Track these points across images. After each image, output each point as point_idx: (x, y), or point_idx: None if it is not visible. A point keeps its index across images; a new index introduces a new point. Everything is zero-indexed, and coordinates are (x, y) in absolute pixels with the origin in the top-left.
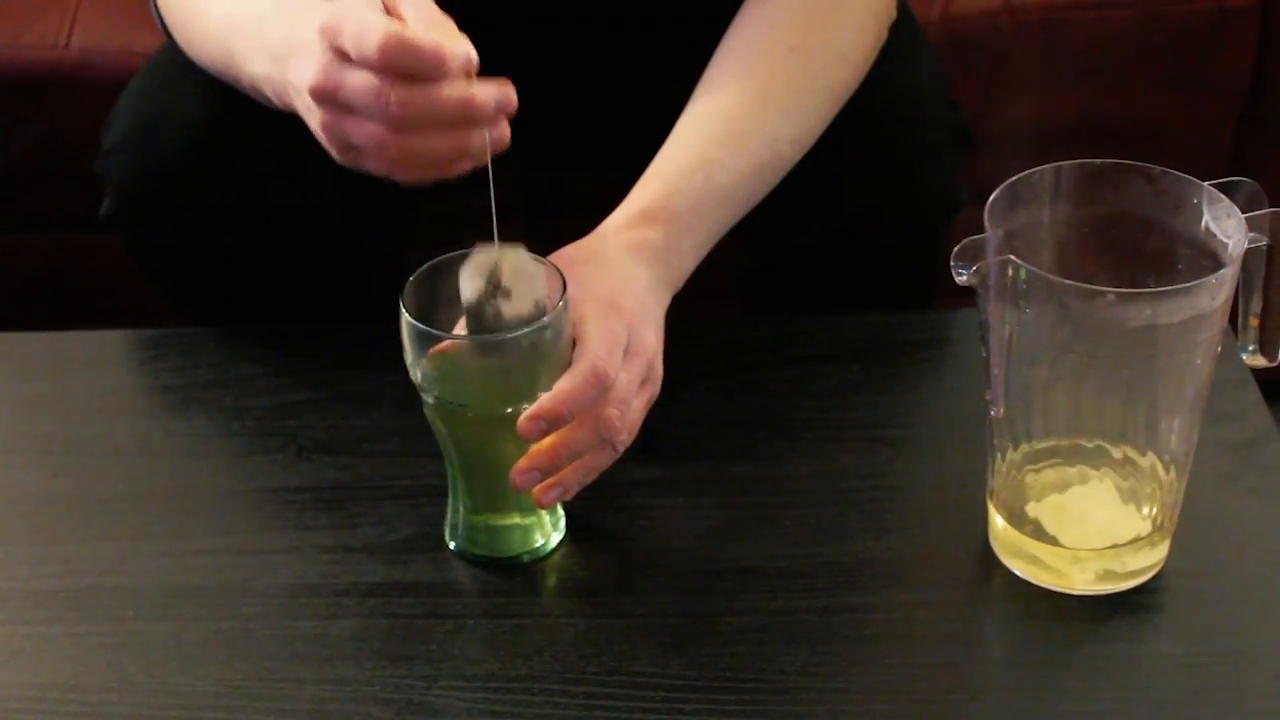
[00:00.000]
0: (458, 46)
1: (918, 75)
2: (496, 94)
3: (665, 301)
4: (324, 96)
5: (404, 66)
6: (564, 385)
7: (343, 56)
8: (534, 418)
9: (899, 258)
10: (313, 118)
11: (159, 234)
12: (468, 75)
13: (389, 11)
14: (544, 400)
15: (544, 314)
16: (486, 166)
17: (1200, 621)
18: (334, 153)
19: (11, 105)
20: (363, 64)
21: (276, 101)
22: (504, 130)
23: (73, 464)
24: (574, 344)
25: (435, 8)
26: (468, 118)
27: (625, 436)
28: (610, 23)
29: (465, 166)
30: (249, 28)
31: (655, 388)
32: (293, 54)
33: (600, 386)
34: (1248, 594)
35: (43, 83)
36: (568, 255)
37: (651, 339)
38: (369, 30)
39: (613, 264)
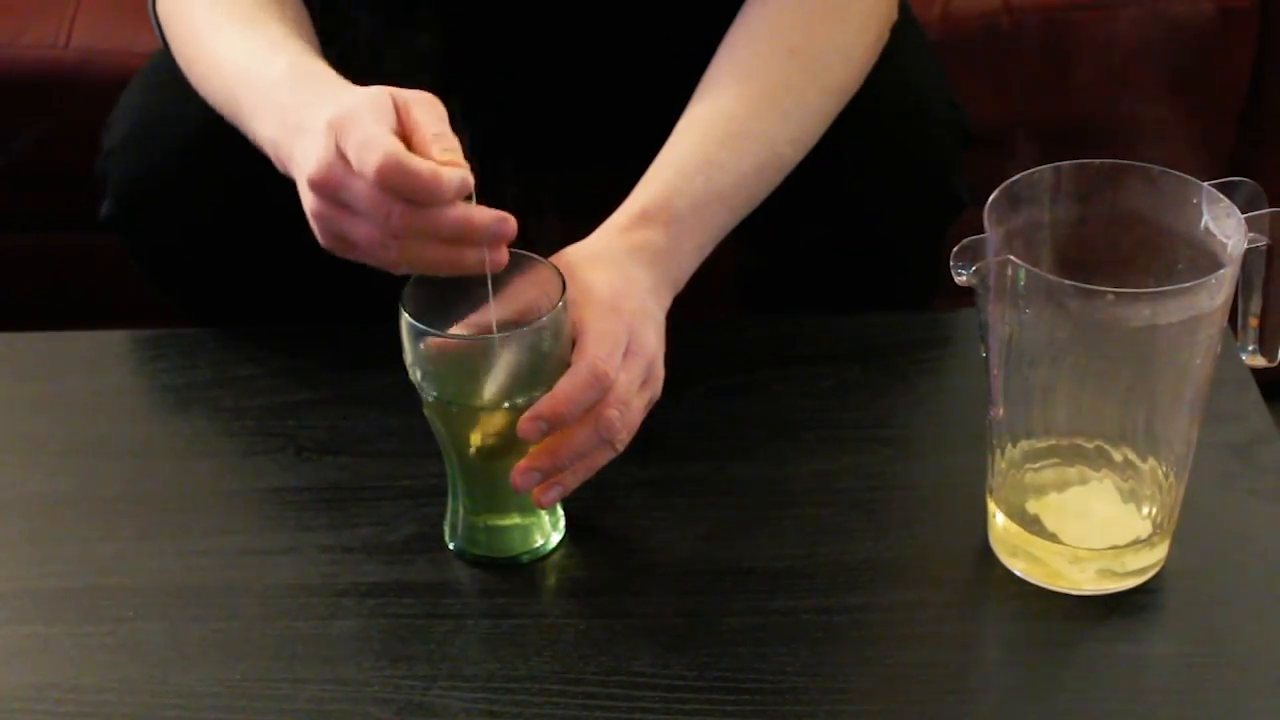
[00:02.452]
0: (454, 174)
1: (920, 75)
2: (494, 219)
3: (666, 303)
4: (324, 191)
5: (400, 190)
6: (564, 386)
7: (347, 160)
8: (534, 418)
9: (901, 257)
10: (308, 202)
11: (159, 235)
12: (467, 198)
13: (399, 111)
14: (544, 401)
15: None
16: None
17: (1200, 621)
18: (321, 239)
19: (11, 105)
20: (354, 172)
21: (278, 167)
22: (502, 255)
23: (73, 464)
24: (574, 344)
25: (439, 110)
26: (464, 238)
27: (625, 436)
28: (610, 24)
29: (456, 274)
30: (260, 85)
31: (656, 388)
32: (300, 131)
33: (600, 387)
34: (1247, 594)
35: (43, 83)
36: (568, 257)
37: (652, 340)
38: (371, 148)
39: (613, 266)
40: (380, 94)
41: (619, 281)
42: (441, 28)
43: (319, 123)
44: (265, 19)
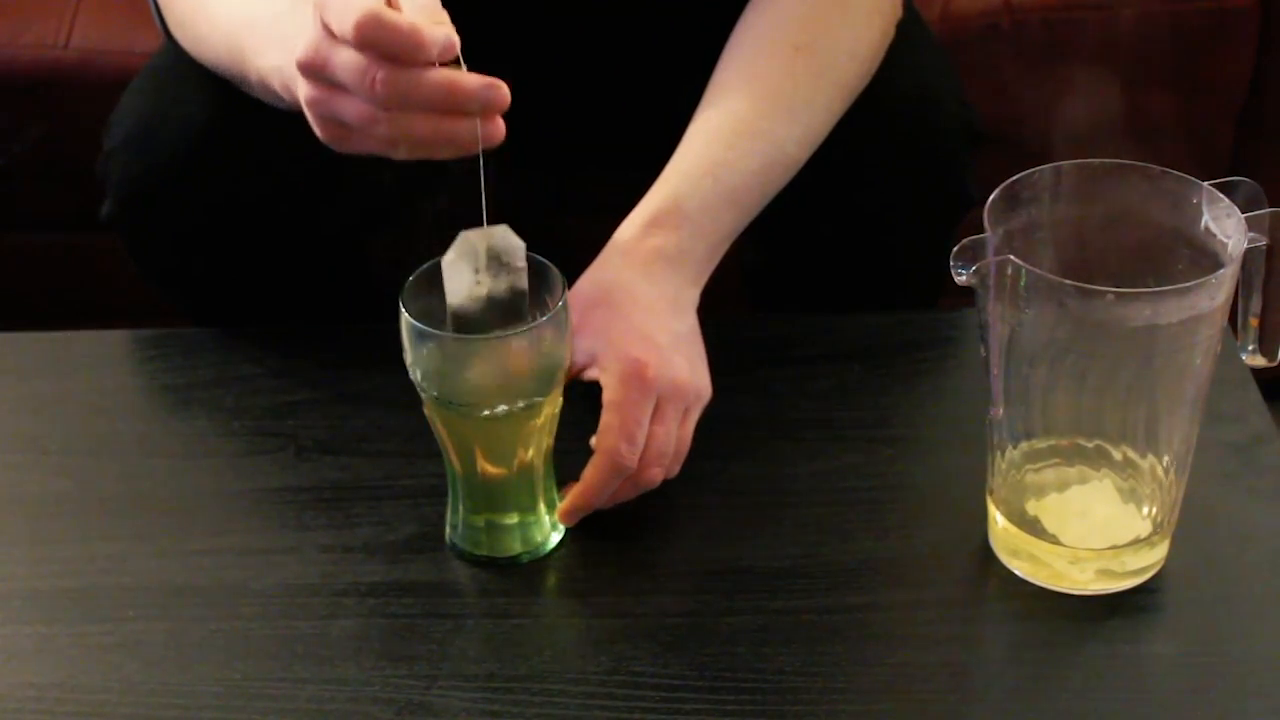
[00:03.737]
0: (437, 30)
1: (929, 73)
2: (482, 83)
3: (694, 302)
4: (312, 71)
5: (380, 45)
6: (590, 477)
7: (333, 34)
8: (570, 512)
9: (910, 255)
10: (301, 91)
11: (160, 235)
12: (457, 63)
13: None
14: (575, 495)
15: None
16: (480, 170)
17: (1199, 621)
18: (320, 131)
19: (11, 105)
20: (344, 41)
21: (285, 96)
22: (497, 127)
23: (73, 464)
24: (583, 364)
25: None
26: (451, 103)
27: (676, 468)
28: (615, 23)
29: (452, 154)
30: (263, 23)
31: (700, 404)
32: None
33: (625, 471)
34: (1247, 594)
35: (43, 83)
36: (582, 295)
37: (683, 372)
38: (349, 9)
39: (629, 301)
40: None
41: (639, 318)
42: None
43: (307, 14)
44: None
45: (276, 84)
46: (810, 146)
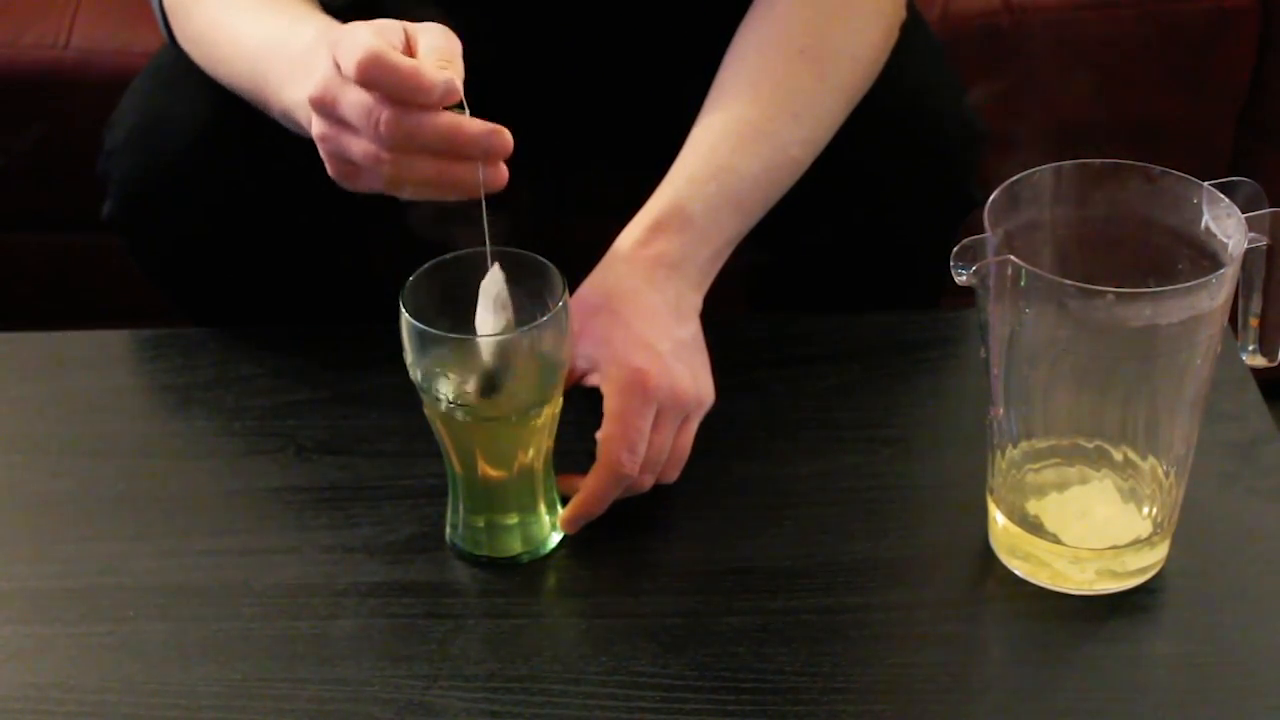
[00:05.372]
0: (439, 74)
1: (932, 75)
2: (484, 130)
3: (696, 307)
4: (321, 108)
5: (381, 85)
6: (591, 485)
7: (343, 73)
8: (573, 520)
9: (911, 256)
10: (313, 126)
11: (160, 234)
12: (461, 108)
13: (408, 38)
14: (576, 504)
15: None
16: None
17: (1200, 621)
18: (329, 167)
19: (11, 105)
20: (349, 80)
21: (307, 129)
22: (500, 172)
23: (73, 464)
24: (584, 370)
25: (450, 41)
26: (454, 147)
27: (674, 474)
28: (618, 24)
29: (456, 196)
30: (291, 52)
31: (701, 411)
32: None
33: (626, 480)
34: (1248, 594)
35: (43, 83)
36: (584, 301)
37: (684, 382)
38: (356, 48)
39: (631, 307)
40: (389, 20)
41: (641, 325)
42: (452, 26)
43: (324, 53)
44: (286, 1)
45: (300, 117)
46: (814, 149)
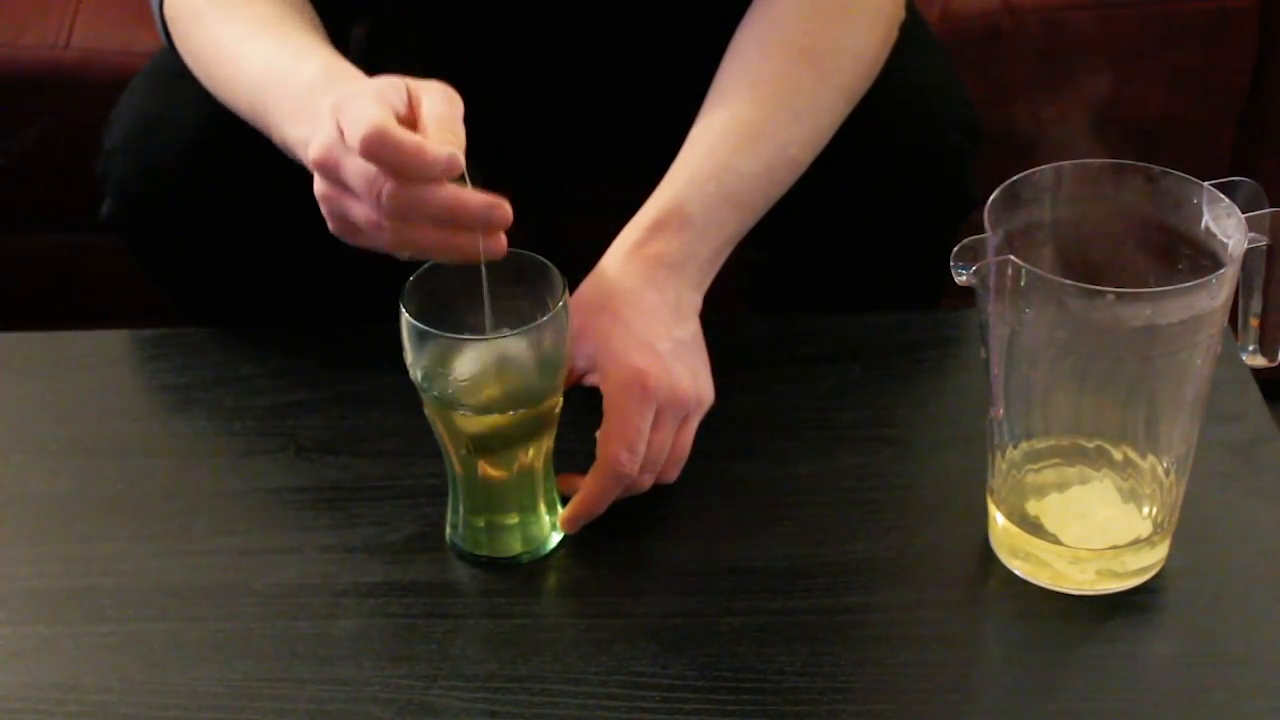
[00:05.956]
0: (441, 149)
1: (931, 75)
2: (486, 203)
3: (696, 307)
4: (324, 171)
5: (384, 162)
6: (590, 485)
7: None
8: (573, 520)
9: (913, 256)
10: (315, 185)
11: (160, 234)
12: (463, 179)
13: (411, 98)
14: (576, 504)
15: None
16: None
17: (1200, 621)
18: (331, 225)
19: (11, 105)
20: (352, 149)
21: (308, 166)
22: (499, 242)
23: (73, 464)
24: (583, 371)
25: (453, 106)
26: (455, 219)
27: (674, 474)
28: (616, 24)
29: (455, 261)
30: (292, 89)
31: (701, 411)
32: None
33: (626, 480)
34: (1248, 594)
35: (43, 83)
36: (584, 300)
37: (684, 382)
38: (359, 121)
39: (631, 307)
40: (393, 79)
41: (641, 326)
42: (448, 31)
43: (326, 107)
44: (289, 26)
45: (301, 154)
46: (814, 149)
